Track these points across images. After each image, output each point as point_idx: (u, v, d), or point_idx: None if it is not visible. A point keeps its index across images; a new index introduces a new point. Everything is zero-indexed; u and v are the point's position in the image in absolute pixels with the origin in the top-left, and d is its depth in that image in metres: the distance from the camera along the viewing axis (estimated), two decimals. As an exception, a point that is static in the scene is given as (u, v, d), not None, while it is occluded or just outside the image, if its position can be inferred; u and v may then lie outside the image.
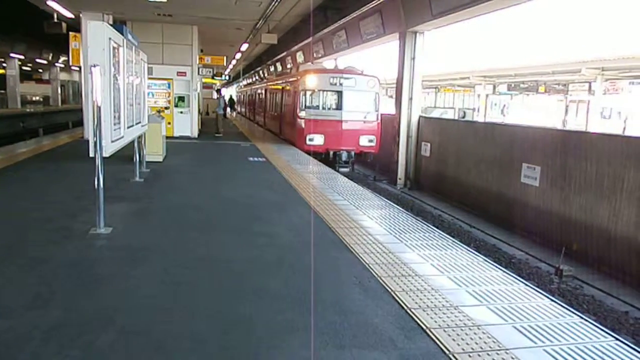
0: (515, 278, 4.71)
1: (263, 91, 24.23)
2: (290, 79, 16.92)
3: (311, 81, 14.66)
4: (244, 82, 48.59)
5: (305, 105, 14.69)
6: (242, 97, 40.96)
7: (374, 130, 14.83)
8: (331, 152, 14.38)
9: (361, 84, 14.68)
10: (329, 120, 14.50)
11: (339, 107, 14.61)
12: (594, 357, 3.11)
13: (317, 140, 14.37)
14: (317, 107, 14.82)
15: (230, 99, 38.41)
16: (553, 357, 3.09)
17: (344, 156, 14.42)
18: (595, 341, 3.32)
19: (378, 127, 14.88)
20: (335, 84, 14.45)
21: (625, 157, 8.76)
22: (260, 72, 38.96)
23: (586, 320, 3.74)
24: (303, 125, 14.57)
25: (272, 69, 33.90)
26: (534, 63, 30.54)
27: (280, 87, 18.55)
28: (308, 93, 14.76)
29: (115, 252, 4.86)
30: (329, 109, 14.82)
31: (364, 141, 14.69)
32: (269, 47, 25.64)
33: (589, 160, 9.50)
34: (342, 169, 13.75)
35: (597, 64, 26.39)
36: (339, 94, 14.54)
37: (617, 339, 3.44)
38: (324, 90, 14.78)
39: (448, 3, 12.04)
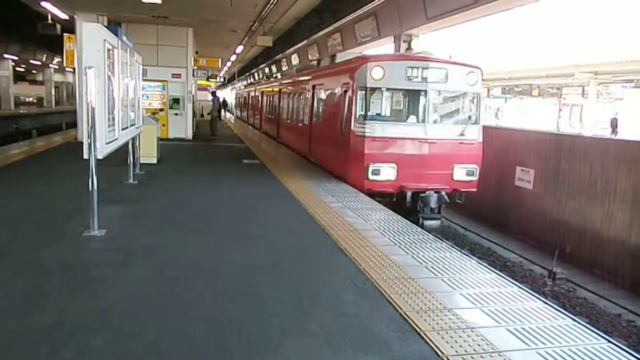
0: (509, 281, 4.73)
1: (275, 92, 18.54)
2: (332, 73, 11.48)
3: (376, 74, 8.96)
4: (244, 82, 45.14)
5: (364, 114, 9.02)
6: (241, 99, 35.27)
7: (475, 154, 9.28)
8: (408, 194, 8.82)
9: (456, 78, 9.23)
10: (404, 140, 8.96)
11: (421, 117, 9.14)
12: (587, 360, 3.13)
13: (386, 173, 8.83)
14: (385, 117, 9.53)
15: (224, 100, 37.22)
16: (546, 358, 3.11)
17: (433, 200, 8.82)
18: (588, 344, 3.33)
19: (480, 149, 9.31)
20: (416, 78, 9.00)
21: (617, 161, 8.84)
22: (267, 69, 32.98)
23: (579, 323, 3.77)
24: (361, 149, 8.87)
25: (289, 63, 27.68)
26: (527, 66, 30.76)
27: (308, 85, 12.97)
28: (370, 94, 9.16)
29: (109, 254, 4.84)
30: (404, 121, 9.37)
31: (459, 173, 9.14)
32: (264, 49, 25.61)
33: (582, 163, 9.57)
34: (428, 222, 8.84)
35: (590, 68, 26.63)
36: (422, 95, 9.09)
37: (609, 342, 3.46)
38: (396, 90, 9.55)
39: (442, 7, 12.10)
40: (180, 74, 16.51)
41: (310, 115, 12.41)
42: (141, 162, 9.74)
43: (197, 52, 21.07)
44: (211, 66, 23.71)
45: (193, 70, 18.04)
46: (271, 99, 19.62)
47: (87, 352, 3.00)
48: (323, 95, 11.29)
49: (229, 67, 36.84)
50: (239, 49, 23.00)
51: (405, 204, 8.85)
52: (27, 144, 14.31)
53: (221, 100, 25.91)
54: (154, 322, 3.44)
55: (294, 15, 17.21)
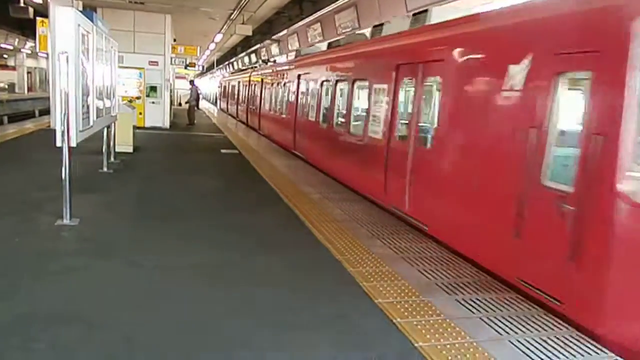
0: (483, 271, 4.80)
1: (288, 81, 13.23)
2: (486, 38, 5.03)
3: None
4: (232, 68, 36.25)
5: None
6: (227, 89, 28.58)
7: None
8: None
9: None
10: None
11: None
12: (557, 348, 3.21)
13: None
14: None
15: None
16: (517, 347, 3.18)
17: None
18: (558, 332, 3.42)
19: None
20: None
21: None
22: (274, 47, 21.20)
23: (551, 313, 3.85)
24: None
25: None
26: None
27: (383, 69, 7.25)
28: None
29: (82, 244, 4.77)
30: None
31: None
32: (243, 38, 25.33)
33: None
34: None
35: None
36: None
37: (579, 331, 3.55)
38: None
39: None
40: (157, 62, 16.25)
41: (389, 126, 6.68)
42: (117, 150, 9.56)
43: (175, 40, 20.72)
44: (189, 54, 23.36)
45: (171, 58, 17.75)
46: (281, 90, 14.17)
47: (59, 343, 2.95)
48: (436, 90, 5.86)
49: (207, 56, 36.33)
50: (218, 37, 22.70)
51: None
52: (-2, 130, 13.93)
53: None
54: (127, 313, 3.40)
55: (274, 4, 17.05)
